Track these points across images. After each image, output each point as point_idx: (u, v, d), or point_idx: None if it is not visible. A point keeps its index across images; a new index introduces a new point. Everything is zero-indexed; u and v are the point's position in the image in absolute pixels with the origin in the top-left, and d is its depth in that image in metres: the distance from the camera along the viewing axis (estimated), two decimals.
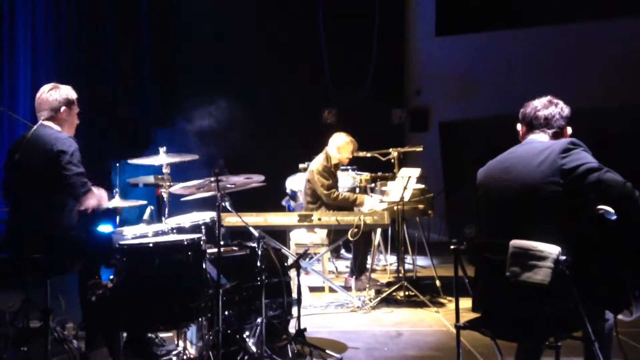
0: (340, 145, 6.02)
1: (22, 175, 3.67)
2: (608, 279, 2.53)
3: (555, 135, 2.87)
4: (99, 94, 7.58)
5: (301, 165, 7.01)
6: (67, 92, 3.80)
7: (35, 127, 3.75)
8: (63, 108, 3.76)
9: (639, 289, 2.48)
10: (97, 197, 3.79)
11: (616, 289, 2.51)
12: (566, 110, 2.89)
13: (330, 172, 5.99)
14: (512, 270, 2.54)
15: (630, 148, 7.74)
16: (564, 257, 2.45)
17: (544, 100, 2.92)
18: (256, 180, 3.88)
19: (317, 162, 6.02)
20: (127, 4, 8.46)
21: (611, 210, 2.50)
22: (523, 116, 2.94)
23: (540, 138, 2.87)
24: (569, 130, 2.91)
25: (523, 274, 2.50)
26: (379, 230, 6.47)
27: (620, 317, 2.63)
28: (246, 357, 3.55)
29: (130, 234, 3.83)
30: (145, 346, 3.78)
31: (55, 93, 3.76)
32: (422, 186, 6.11)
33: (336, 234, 5.65)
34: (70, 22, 7.44)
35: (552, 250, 2.46)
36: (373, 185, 6.77)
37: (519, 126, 2.98)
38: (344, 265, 7.11)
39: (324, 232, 5.74)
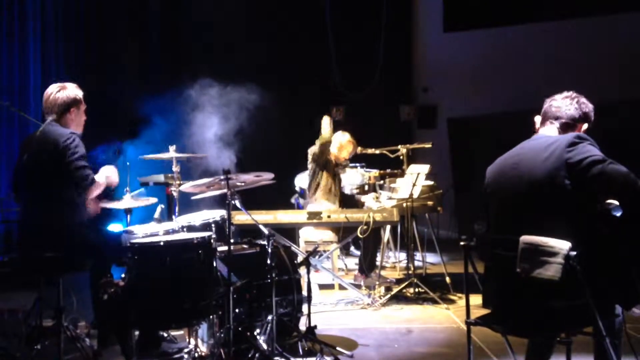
0: (343, 143, 6.09)
1: (31, 173, 3.70)
2: (618, 274, 2.53)
3: (564, 128, 2.85)
4: (108, 91, 7.61)
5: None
6: (74, 92, 3.83)
7: (43, 125, 3.78)
8: (72, 109, 3.80)
9: None
10: (105, 181, 3.81)
11: (626, 284, 2.50)
12: (583, 106, 2.87)
13: (322, 153, 5.97)
14: (523, 266, 2.53)
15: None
16: (574, 253, 2.44)
17: (564, 93, 2.92)
18: (266, 178, 3.89)
19: (311, 149, 6.07)
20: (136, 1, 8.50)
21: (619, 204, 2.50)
22: (543, 109, 2.95)
23: (549, 132, 2.88)
24: (584, 127, 2.87)
25: (534, 270, 2.50)
26: (388, 227, 6.47)
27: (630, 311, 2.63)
28: (257, 355, 3.57)
29: (141, 233, 3.86)
30: (157, 344, 3.80)
31: (63, 94, 3.78)
32: (431, 183, 6.11)
33: (345, 231, 5.66)
34: (78, 19, 7.49)
35: (562, 245, 2.46)
36: (382, 182, 6.78)
37: (536, 118, 2.97)
38: (353, 262, 7.12)
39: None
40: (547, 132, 2.88)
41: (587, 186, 2.55)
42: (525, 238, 2.55)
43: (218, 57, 8.64)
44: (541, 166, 2.65)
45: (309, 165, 6.04)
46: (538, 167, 2.66)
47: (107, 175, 3.85)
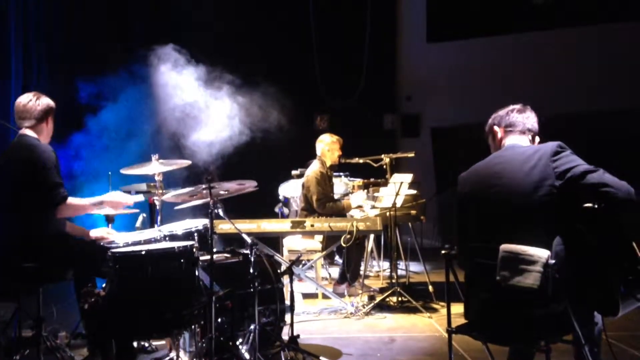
0: (328, 146, 6.12)
1: (5, 184, 3.67)
2: (597, 281, 2.55)
3: (534, 139, 2.95)
4: (93, 91, 7.55)
5: (294, 172, 7.04)
6: (48, 101, 3.85)
7: (17, 137, 3.78)
8: (49, 117, 3.81)
9: (624, 285, 2.48)
10: (94, 205, 3.80)
11: (605, 291, 2.52)
12: (536, 118, 2.98)
13: (326, 178, 6.04)
14: (502, 275, 2.55)
15: (619, 150, 7.84)
16: (553, 261, 2.46)
17: (517, 105, 3.00)
18: (249, 186, 3.89)
19: (313, 169, 6.06)
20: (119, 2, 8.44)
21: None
22: (499, 120, 3.01)
23: (521, 141, 2.91)
24: (537, 139, 2.98)
25: (513, 278, 2.52)
26: (371, 237, 6.48)
27: None
28: None
29: (123, 242, 3.83)
30: (132, 356, 3.76)
31: (39, 102, 3.78)
32: (414, 192, 6.14)
33: (329, 240, 5.67)
34: (61, 19, 7.43)
35: (541, 254, 2.48)
36: (365, 191, 6.80)
37: (496, 129, 3.00)
38: (337, 271, 7.12)
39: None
40: (521, 142, 2.91)
41: (576, 195, 2.56)
42: (505, 247, 2.57)
43: (199, 64, 8.61)
44: (526, 176, 2.67)
45: (315, 188, 5.97)
46: (522, 177, 2.68)
47: (108, 200, 3.84)
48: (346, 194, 6.92)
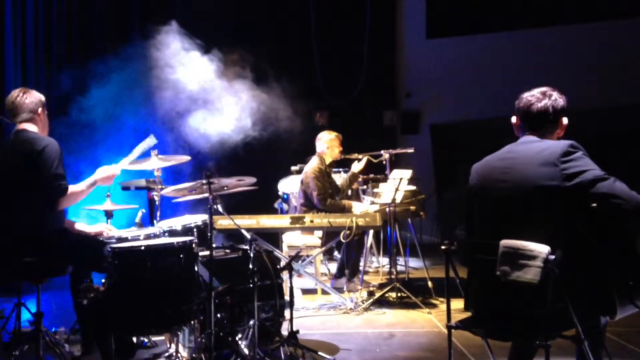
0: (328, 144, 6.10)
1: (7, 180, 3.66)
2: (597, 281, 2.54)
3: (550, 130, 2.83)
4: (90, 92, 7.54)
5: (293, 168, 7.03)
6: (36, 94, 3.86)
7: (13, 132, 3.77)
8: (40, 109, 3.81)
9: (624, 289, 2.48)
10: (89, 187, 3.77)
11: (605, 291, 2.52)
12: (560, 101, 2.83)
13: (325, 175, 6.03)
14: (502, 270, 2.54)
15: (619, 148, 7.86)
16: (553, 257, 2.45)
17: (537, 92, 2.87)
18: (248, 182, 3.88)
19: (312, 165, 6.05)
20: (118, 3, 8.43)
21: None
22: (517, 108, 2.90)
23: (534, 134, 2.82)
24: (565, 120, 2.84)
25: (513, 273, 2.51)
26: (371, 232, 6.49)
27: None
28: None
29: (122, 237, 3.83)
30: (130, 352, 3.76)
31: (29, 96, 3.80)
32: (414, 188, 6.14)
33: (328, 236, 5.67)
34: (60, 18, 7.42)
35: (541, 249, 2.47)
36: (365, 187, 6.80)
37: (513, 118, 2.93)
38: (336, 267, 7.12)
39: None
40: (532, 135, 2.83)
41: (584, 198, 2.53)
42: (505, 242, 2.56)
43: (200, 58, 8.59)
44: (533, 174, 2.62)
45: (315, 185, 5.95)
46: (530, 175, 2.63)
47: (100, 177, 3.81)
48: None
